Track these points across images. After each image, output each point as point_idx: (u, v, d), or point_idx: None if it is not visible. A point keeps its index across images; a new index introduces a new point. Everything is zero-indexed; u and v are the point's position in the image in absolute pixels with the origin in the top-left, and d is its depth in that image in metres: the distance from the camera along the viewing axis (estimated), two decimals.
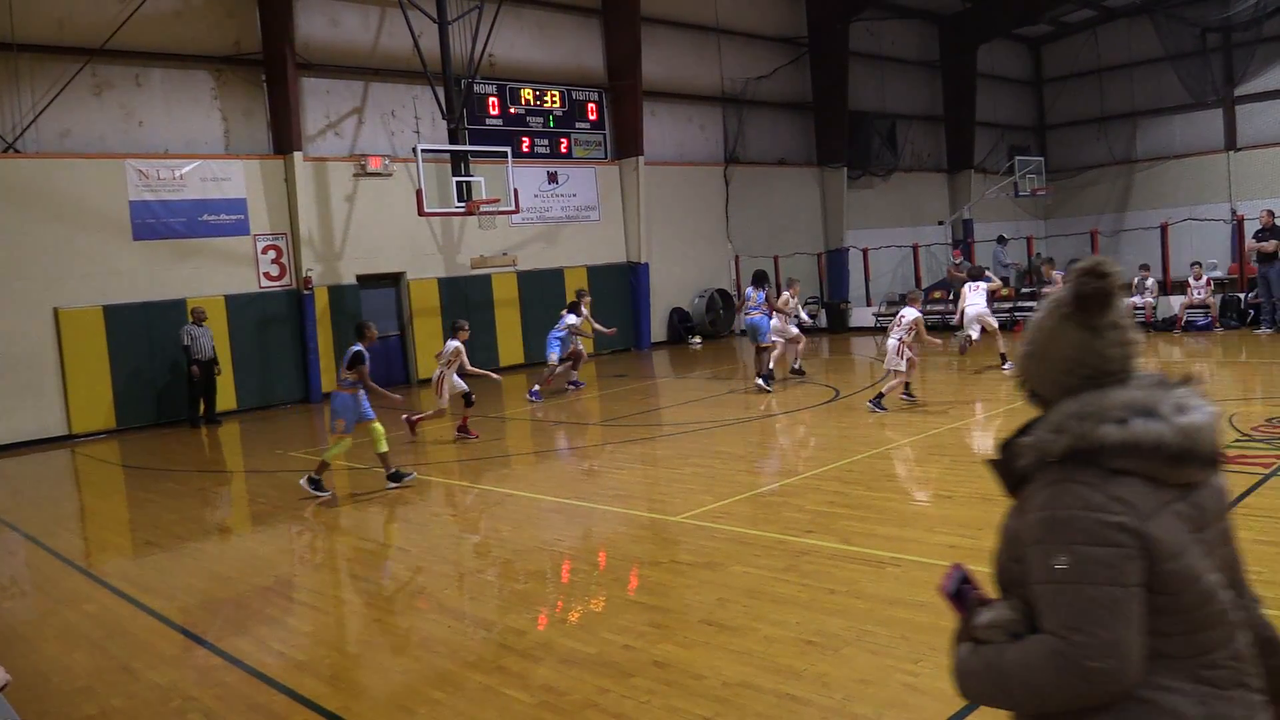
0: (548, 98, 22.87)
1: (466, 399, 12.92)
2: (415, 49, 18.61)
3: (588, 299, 18.32)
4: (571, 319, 17.29)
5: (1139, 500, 1.85)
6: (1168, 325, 19.33)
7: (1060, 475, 1.91)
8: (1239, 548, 2.09)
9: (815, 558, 6.71)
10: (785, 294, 16.17)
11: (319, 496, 10.10)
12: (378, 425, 10.27)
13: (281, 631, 6.27)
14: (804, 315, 19.16)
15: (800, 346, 16.42)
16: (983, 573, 2.10)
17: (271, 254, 18.54)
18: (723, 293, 26.15)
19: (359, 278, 19.72)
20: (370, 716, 4.86)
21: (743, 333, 26.03)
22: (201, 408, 16.80)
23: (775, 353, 15.71)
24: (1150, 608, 1.82)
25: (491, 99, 21.74)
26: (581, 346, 17.79)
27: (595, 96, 23.87)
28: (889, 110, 31.18)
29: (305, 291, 18.62)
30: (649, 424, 13.60)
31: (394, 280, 20.46)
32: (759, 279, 15.88)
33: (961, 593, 2.07)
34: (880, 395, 12.51)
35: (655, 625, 5.71)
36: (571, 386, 17.51)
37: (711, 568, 6.77)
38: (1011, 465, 2.02)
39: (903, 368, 12.52)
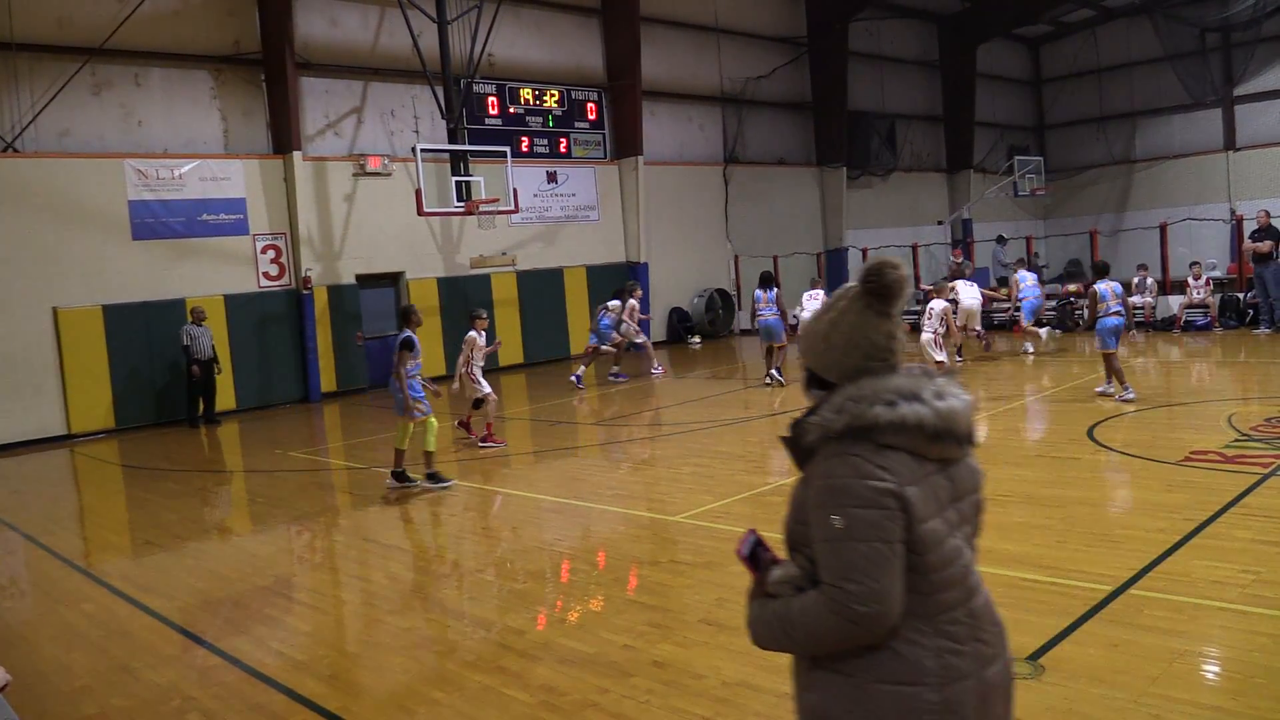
0: (547, 97, 22.87)
1: (475, 401, 12.85)
2: (415, 48, 18.61)
3: (638, 292, 18.72)
4: (615, 304, 17.86)
5: (903, 470, 2.15)
6: (1167, 325, 19.34)
7: (839, 449, 2.20)
8: (983, 521, 2.43)
9: None
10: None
11: (444, 486, 10.01)
12: (433, 420, 10.22)
13: (281, 631, 6.28)
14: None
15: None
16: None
17: (271, 254, 18.54)
18: (722, 292, 26.15)
19: (358, 277, 19.71)
20: (370, 716, 4.86)
21: (744, 332, 26.09)
22: (201, 407, 16.80)
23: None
24: (906, 566, 2.13)
25: (491, 98, 21.74)
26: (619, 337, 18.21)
27: (595, 96, 23.87)
28: (888, 110, 31.18)
29: (304, 291, 18.62)
30: (648, 424, 13.60)
31: (393, 280, 20.46)
32: (766, 280, 15.93)
33: (755, 555, 2.36)
34: None
35: (655, 625, 5.71)
36: (613, 379, 18.02)
37: (711, 567, 6.77)
38: (800, 441, 2.29)
39: (943, 358, 12.81)
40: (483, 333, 12.58)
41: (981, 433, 10.92)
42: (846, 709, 2.18)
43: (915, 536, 2.13)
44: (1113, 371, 11.91)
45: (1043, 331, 18.13)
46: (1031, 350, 17.42)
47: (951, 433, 2.24)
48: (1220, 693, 4.38)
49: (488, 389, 12.39)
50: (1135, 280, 20.09)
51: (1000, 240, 26.33)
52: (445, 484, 10.10)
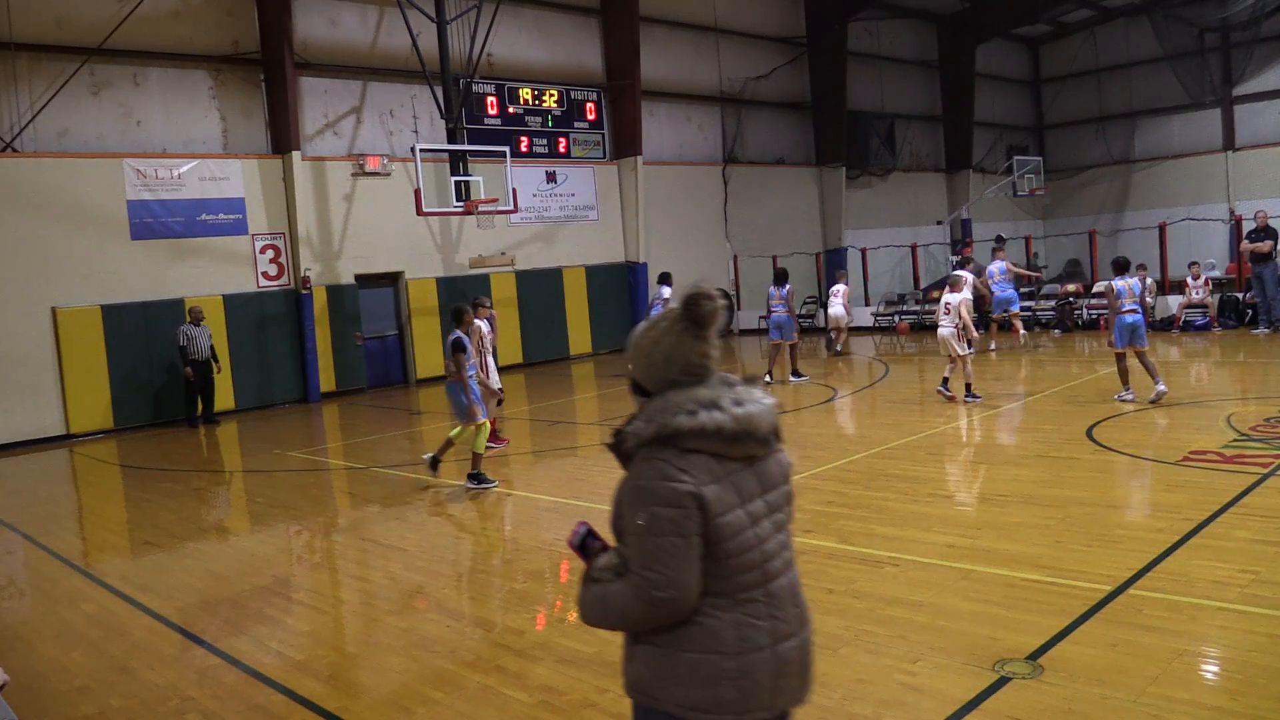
0: (546, 97, 22.87)
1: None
2: (414, 48, 18.61)
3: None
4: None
5: (702, 471, 2.45)
6: (1166, 325, 19.33)
7: (648, 454, 2.50)
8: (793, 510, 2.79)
9: (813, 557, 6.71)
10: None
11: (487, 488, 9.92)
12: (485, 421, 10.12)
13: (280, 631, 6.27)
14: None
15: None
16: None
17: (270, 253, 18.53)
18: (721, 292, 26.08)
19: (357, 277, 19.71)
20: (369, 716, 4.86)
21: (744, 332, 26.10)
22: (200, 407, 16.80)
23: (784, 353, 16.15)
24: (705, 553, 2.44)
25: (490, 98, 21.74)
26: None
27: (594, 96, 23.87)
28: (887, 110, 31.18)
29: (303, 291, 18.62)
30: None
31: (392, 280, 20.46)
32: (781, 277, 16.07)
33: (585, 544, 2.69)
34: (968, 386, 12.82)
35: None
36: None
37: None
38: (621, 447, 2.60)
39: (965, 351, 12.86)
40: (486, 320, 11.82)
41: (980, 432, 10.95)
42: (658, 675, 2.53)
43: (713, 529, 2.44)
44: (1120, 370, 11.88)
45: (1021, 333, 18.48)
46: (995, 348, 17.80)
47: (751, 435, 2.53)
48: (1220, 692, 4.38)
49: (498, 385, 11.96)
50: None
51: (999, 240, 26.17)
52: (490, 484, 10.01)
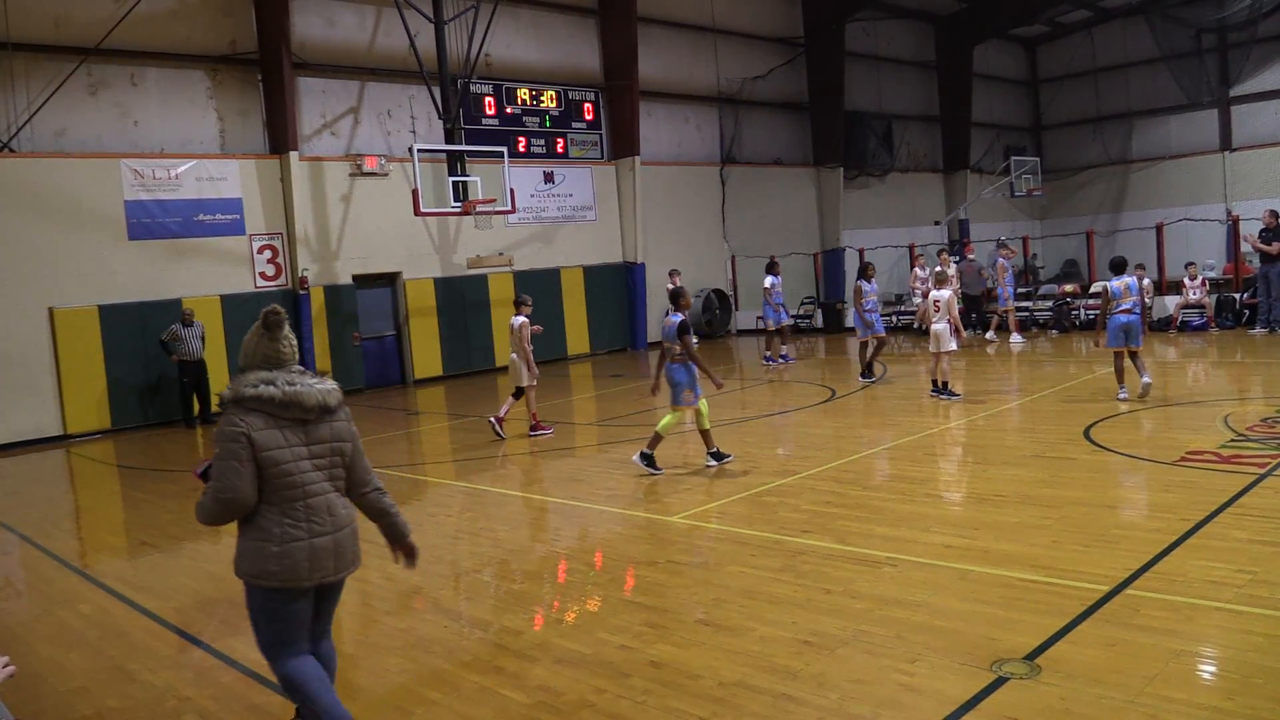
0: (544, 97, 22.87)
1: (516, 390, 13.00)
2: (411, 49, 18.62)
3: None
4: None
5: (257, 422, 3.98)
6: (1163, 325, 19.36)
7: (228, 410, 4.04)
8: (359, 461, 4.28)
9: (811, 558, 6.71)
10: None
11: (654, 474, 9.91)
12: (703, 401, 10.09)
13: None
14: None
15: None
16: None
17: (267, 254, 18.53)
18: (719, 293, 26.14)
19: (355, 277, 19.71)
20: (366, 717, 4.85)
21: (741, 332, 26.09)
22: (196, 407, 16.78)
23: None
24: (260, 475, 3.96)
25: (488, 99, 21.74)
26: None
27: (591, 96, 23.87)
28: (885, 110, 31.19)
29: (301, 291, 18.61)
30: (645, 424, 13.58)
31: (390, 280, 20.46)
32: (864, 272, 16.14)
33: (205, 473, 4.06)
34: (945, 383, 13.04)
35: (651, 625, 5.71)
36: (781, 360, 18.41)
37: (707, 568, 6.77)
38: (221, 404, 4.10)
39: (954, 346, 13.00)
40: (526, 317, 12.95)
41: (977, 433, 10.95)
42: (239, 556, 4.10)
43: (261, 459, 3.95)
44: (1116, 370, 11.90)
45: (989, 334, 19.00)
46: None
47: (297, 404, 4.04)
48: (1216, 692, 4.38)
49: (534, 376, 12.86)
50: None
51: (1000, 244, 26.05)
52: (727, 458, 10.12)
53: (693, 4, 25.86)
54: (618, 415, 14.47)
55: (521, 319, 12.82)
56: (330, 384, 4.19)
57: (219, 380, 17.44)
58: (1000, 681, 4.54)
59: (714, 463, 10.06)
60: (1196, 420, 10.52)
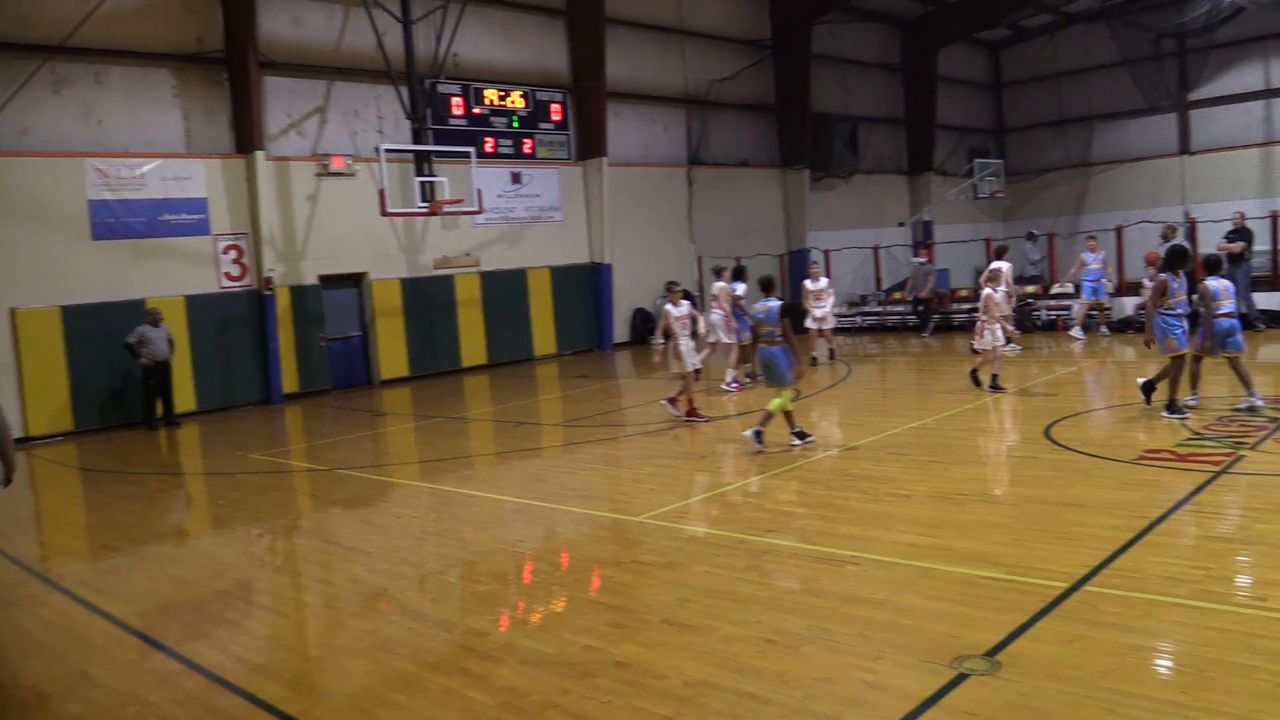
0: (511, 98, 22.83)
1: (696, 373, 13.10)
2: (379, 48, 18.51)
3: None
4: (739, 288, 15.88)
5: None
6: (1123, 326, 19.63)
7: None
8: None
9: (776, 557, 6.76)
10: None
11: (760, 449, 10.26)
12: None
13: (241, 635, 6.23)
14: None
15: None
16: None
17: (233, 254, 18.36)
18: (686, 293, 26.11)
19: (321, 278, 19.57)
20: None
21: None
22: (160, 409, 16.59)
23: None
24: None
25: (455, 99, 21.66)
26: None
27: (559, 97, 23.85)
28: (851, 112, 31.39)
29: (266, 292, 18.46)
30: (611, 424, 13.62)
31: (356, 280, 20.33)
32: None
33: None
34: (989, 377, 13.13)
35: (617, 625, 5.73)
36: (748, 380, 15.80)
37: (673, 568, 6.81)
38: None
39: (990, 345, 13.11)
40: (680, 304, 13.04)
41: (940, 432, 11.06)
42: None
43: None
44: (1184, 375, 10.81)
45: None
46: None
47: None
48: (1172, 686, 4.47)
49: (691, 363, 12.91)
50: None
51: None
52: (809, 439, 10.49)
53: (661, 5, 25.90)
54: (584, 416, 14.47)
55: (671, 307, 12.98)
56: None
57: (186, 383, 17.30)
58: (961, 678, 4.61)
59: (798, 442, 10.44)
60: (1154, 419, 10.68)
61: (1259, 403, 10.51)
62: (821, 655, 5.03)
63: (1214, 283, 10.76)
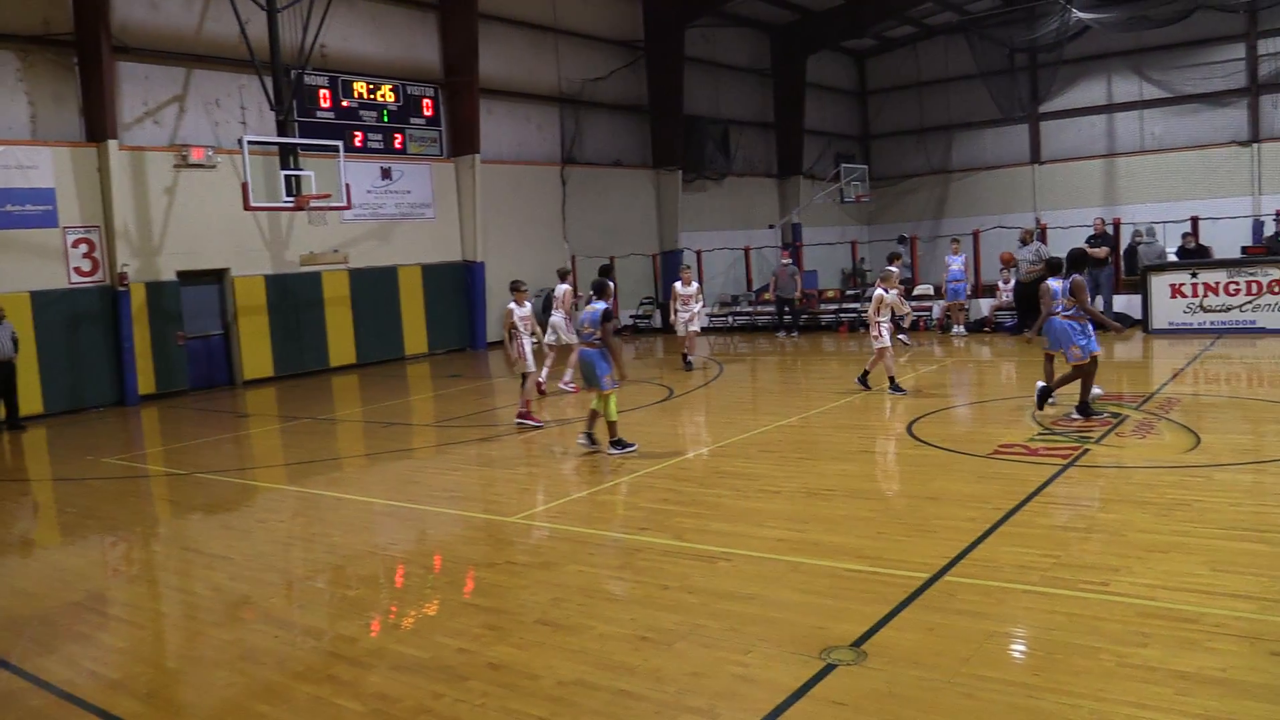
0: (382, 92, 22.39)
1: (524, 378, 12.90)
2: (242, 36, 17.88)
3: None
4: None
5: None
6: (979, 326, 20.51)
7: None
8: None
9: (649, 555, 6.82)
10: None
11: (629, 451, 10.24)
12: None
13: (93, 649, 5.94)
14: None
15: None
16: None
17: (83, 248, 17.46)
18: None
19: (180, 274, 18.79)
20: None
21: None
22: (2, 411, 15.65)
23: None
24: None
25: (323, 91, 21.12)
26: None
27: (431, 92, 23.51)
28: (722, 115, 31.89)
29: (120, 288, 17.63)
30: (483, 424, 13.50)
31: (217, 277, 19.61)
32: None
33: None
34: (887, 380, 13.15)
35: (490, 627, 5.69)
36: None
37: (547, 567, 6.79)
38: None
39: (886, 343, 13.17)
40: (525, 304, 13.10)
41: (808, 430, 11.35)
42: None
43: None
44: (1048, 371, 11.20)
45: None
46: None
47: None
48: (1025, 669, 4.69)
49: (532, 366, 12.95)
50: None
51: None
52: (630, 448, 10.32)
53: (534, 3, 25.78)
54: (456, 415, 14.31)
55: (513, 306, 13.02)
56: None
57: (32, 383, 16.37)
58: (829, 668, 4.73)
59: (615, 450, 10.32)
60: (1008, 415, 11.18)
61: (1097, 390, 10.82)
62: (694, 651, 5.10)
63: (1055, 283, 10.88)
